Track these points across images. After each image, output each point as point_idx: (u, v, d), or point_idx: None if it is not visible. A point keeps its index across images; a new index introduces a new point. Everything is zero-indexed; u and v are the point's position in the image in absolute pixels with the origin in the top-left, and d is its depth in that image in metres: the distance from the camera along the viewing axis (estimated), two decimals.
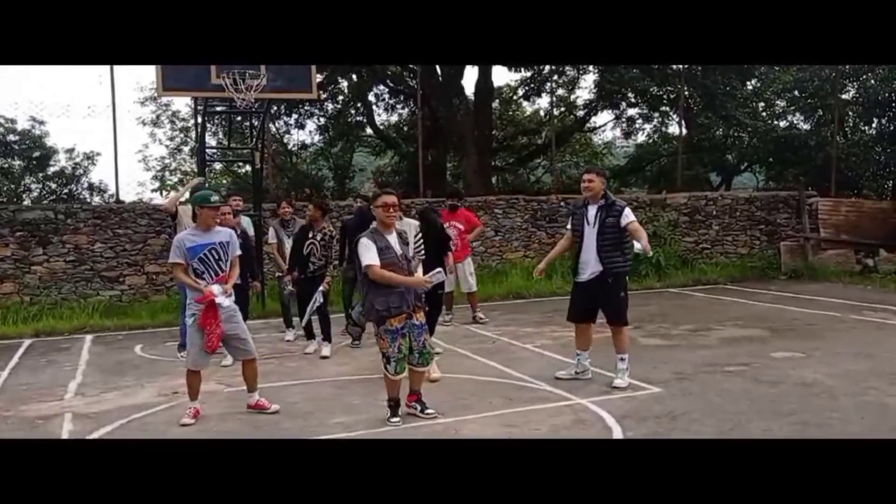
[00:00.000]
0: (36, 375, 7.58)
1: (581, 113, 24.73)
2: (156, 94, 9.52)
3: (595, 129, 26.09)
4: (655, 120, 23.33)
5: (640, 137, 24.66)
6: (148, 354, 8.49)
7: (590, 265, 6.24)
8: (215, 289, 5.48)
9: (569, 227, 6.55)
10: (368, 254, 5.25)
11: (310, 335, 8.12)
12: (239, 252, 5.89)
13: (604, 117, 24.96)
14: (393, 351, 5.34)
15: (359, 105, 23.05)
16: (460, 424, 5.41)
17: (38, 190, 25.31)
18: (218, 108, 10.74)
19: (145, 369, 7.68)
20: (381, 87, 22.29)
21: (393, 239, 5.41)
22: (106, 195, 23.02)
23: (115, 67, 11.69)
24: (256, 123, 10.48)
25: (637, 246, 6.15)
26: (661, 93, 20.54)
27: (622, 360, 6.36)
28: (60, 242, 11.06)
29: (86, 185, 24.54)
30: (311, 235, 7.82)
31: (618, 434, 5.10)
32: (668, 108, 22.12)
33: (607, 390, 6.20)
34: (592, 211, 6.21)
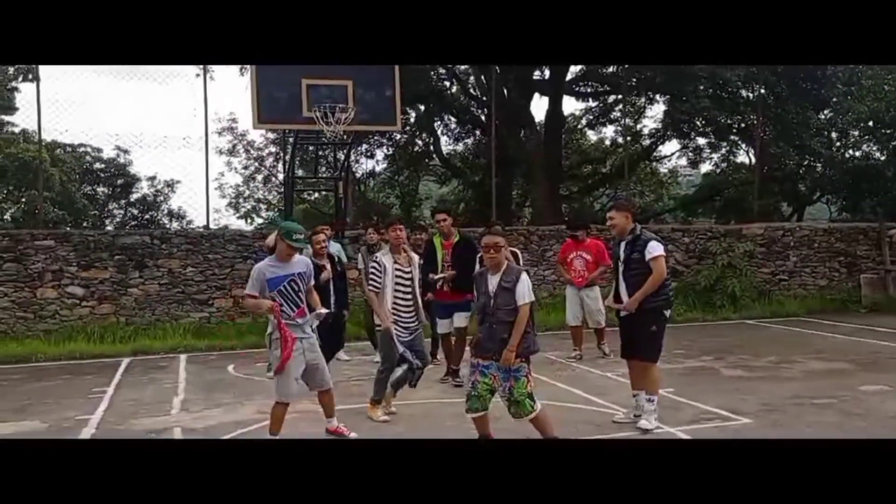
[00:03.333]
0: (140, 392, 8.03)
1: (647, 142, 24.71)
2: (251, 126, 9.89)
3: (662, 158, 26.03)
4: (724, 149, 23.11)
5: (707, 167, 24.50)
6: (241, 374, 8.88)
7: (624, 301, 6.06)
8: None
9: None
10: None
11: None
12: (314, 282, 5.83)
13: (671, 146, 24.93)
14: (468, 386, 5.21)
15: (425, 135, 23.56)
16: None
17: (120, 216, 26.52)
18: (309, 139, 11.20)
19: (241, 388, 8.05)
20: (448, 116, 22.71)
21: (493, 281, 5.15)
22: (184, 221, 24.02)
23: (209, 103, 12.32)
24: (340, 155, 10.93)
25: (610, 301, 6.23)
26: (730, 122, 20.42)
27: (650, 400, 5.99)
28: (155, 266, 11.65)
29: (166, 211, 25.66)
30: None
31: None
32: (736, 138, 22.01)
33: (696, 419, 6.27)
34: (622, 247, 6.08)
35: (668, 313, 6.11)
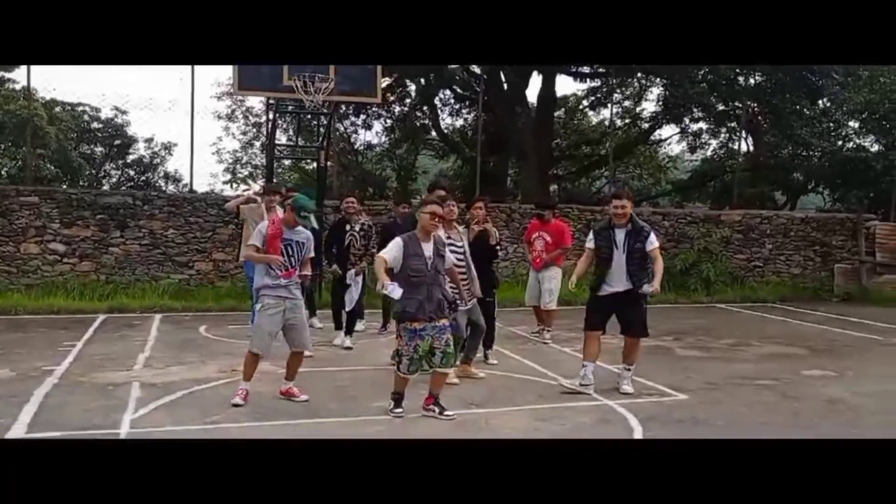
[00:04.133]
0: (109, 347, 8.26)
1: (646, 125, 24.73)
2: (231, 91, 10.02)
3: (659, 142, 26.05)
4: (723, 136, 23.15)
5: (708, 152, 24.55)
6: (212, 335, 9.10)
7: (616, 284, 6.40)
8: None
9: (590, 245, 6.64)
10: (390, 250, 5.50)
11: (338, 325, 8.59)
12: (312, 254, 6.26)
13: (669, 130, 24.93)
14: (408, 350, 5.48)
15: (425, 108, 23.62)
16: (491, 416, 5.77)
17: (117, 176, 26.68)
18: (289, 108, 11.33)
19: (208, 348, 8.28)
20: (448, 91, 22.76)
21: (428, 247, 5.53)
22: (180, 184, 24.18)
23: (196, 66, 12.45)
24: (335, 124, 11.04)
25: (647, 288, 6.36)
26: (727, 108, 20.45)
27: (628, 369, 6.64)
28: (137, 227, 11.86)
29: (162, 173, 25.80)
30: (348, 228, 8.31)
31: (639, 433, 5.39)
32: (735, 125, 22.05)
33: (636, 395, 6.47)
34: (621, 235, 6.36)
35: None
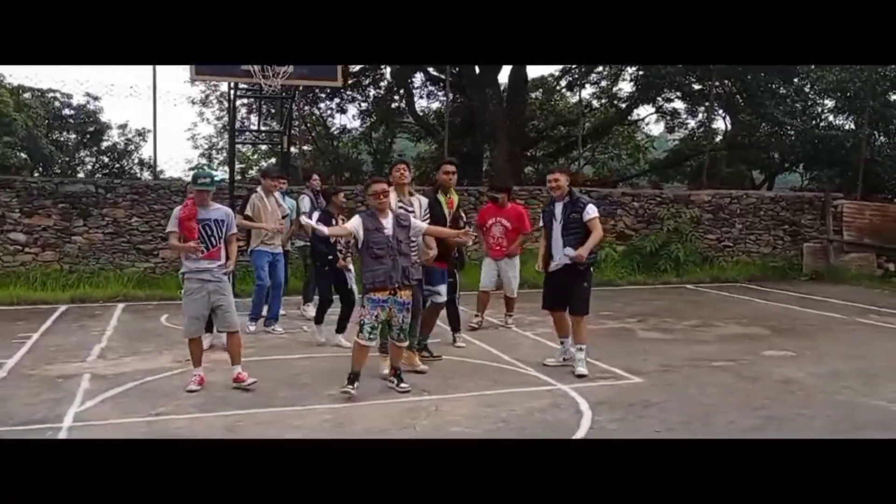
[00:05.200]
0: (65, 338, 8.16)
1: (623, 105, 24.68)
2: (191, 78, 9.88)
3: (636, 122, 26.03)
4: (701, 115, 23.11)
5: (685, 132, 24.56)
6: (172, 324, 8.98)
7: (557, 258, 6.58)
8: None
9: (542, 223, 6.89)
10: (350, 222, 5.92)
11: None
12: (234, 231, 6.19)
13: (646, 110, 24.93)
14: (369, 318, 5.72)
15: (401, 91, 23.46)
16: (441, 402, 5.74)
17: (91, 164, 26.37)
18: (248, 93, 11.19)
19: (167, 338, 8.17)
20: (422, 74, 22.60)
21: (388, 222, 5.80)
22: (156, 170, 23.94)
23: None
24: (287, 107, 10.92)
25: (569, 251, 6.37)
26: (702, 88, 20.43)
27: (580, 349, 6.60)
28: (100, 215, 11.71)
29: (136, 160, 25.54)
30: (334, 222, 8.21)
31: (587, 418, 5.37)
32: (710, 104, 22.03)
33: (591, 378, 6.46)
34: (559, 208, 6.59)
35: (592, 270, 6.79)
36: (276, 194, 8.56)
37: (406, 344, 6.13)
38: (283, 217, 8.54)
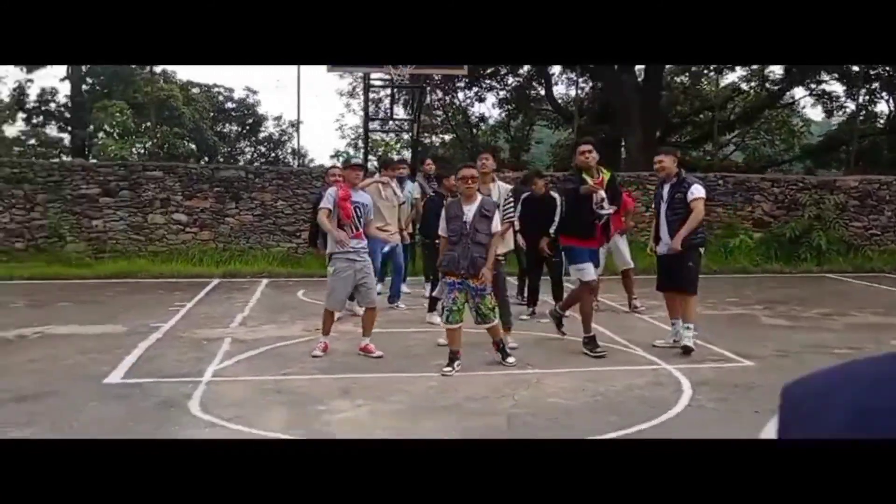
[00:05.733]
0: (214, 308, 9.03)
1: (776, 88, 23.56)
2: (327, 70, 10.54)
3: (788, 105, 24.73)
4: (861, 97, 21.63)
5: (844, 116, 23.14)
6: (308, 298, 9.72)
7: (665, 239, 6.62)
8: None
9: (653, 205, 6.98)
10: (441, 218, 6.18)
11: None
12: (372, 217, 6.72)
13: (799, 93, 23.64)
14: (447, 301, 6.06)
15: (540, 79, 23.57)
16: (544, 376, 5.96)
17: (250, 153, 28.35)
18: (378, 83, 11.77)
19: (301, 310, 8.88)
20: None
21: (470, 209, 5.97)
22: (306, 160, 25.43)
23: None
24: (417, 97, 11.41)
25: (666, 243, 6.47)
26: (862, 68, 19.14)
27: (688, 328, 6.60)
28: (250, 199, 12.72)
29: (289, 150, 27.20)
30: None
31: (686, 396, 5.41)
32: (871, 85, 20.66)
33: (699, 360, 6.45)
34: (666, 189, 6.63)
35: (702, 251, 6.85)
36: (393, 183, 8.74)
37: (492, 324, 6.14)
38: (402, 204, 8.90)
